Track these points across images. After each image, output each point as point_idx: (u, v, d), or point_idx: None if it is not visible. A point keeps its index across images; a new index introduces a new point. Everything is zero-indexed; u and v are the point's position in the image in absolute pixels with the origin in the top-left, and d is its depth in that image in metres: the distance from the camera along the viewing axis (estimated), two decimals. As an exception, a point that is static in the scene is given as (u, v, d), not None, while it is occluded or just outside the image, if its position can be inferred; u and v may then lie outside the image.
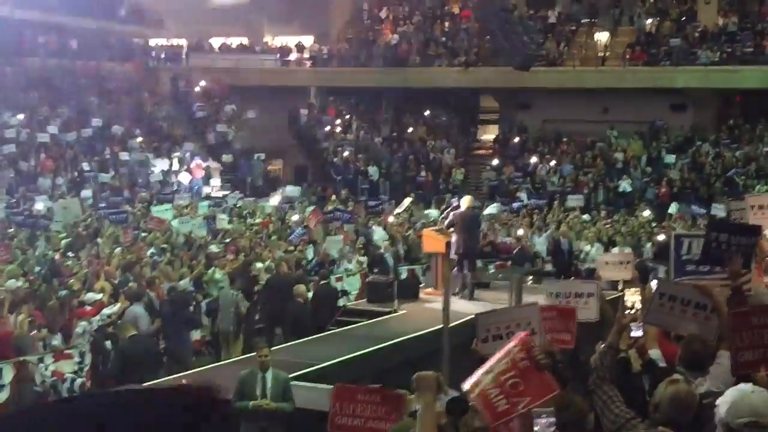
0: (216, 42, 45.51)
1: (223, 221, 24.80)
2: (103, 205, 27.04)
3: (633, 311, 6.06)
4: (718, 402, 4.24)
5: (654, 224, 27.33)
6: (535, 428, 5.87)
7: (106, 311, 15.04)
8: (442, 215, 21.49)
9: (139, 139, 35.77)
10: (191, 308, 16.57)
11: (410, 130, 40.36)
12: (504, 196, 34.36)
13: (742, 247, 7.18)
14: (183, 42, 45.35)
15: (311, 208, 28.36)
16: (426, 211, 29.72)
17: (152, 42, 45.72)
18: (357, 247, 22.17)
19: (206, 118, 39.49)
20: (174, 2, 45.42)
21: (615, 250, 21.22)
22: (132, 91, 40.23)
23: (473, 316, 7.34)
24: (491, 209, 29.48)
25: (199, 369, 13.68)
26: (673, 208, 29.24)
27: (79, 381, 13.09)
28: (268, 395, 10.68)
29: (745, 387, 4.29)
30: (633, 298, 6.02)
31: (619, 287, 11.62)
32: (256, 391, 10.71)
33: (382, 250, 21.88)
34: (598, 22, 40.37)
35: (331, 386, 7.74)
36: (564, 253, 23.05)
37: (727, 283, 6.60)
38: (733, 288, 6.67)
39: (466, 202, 18.47)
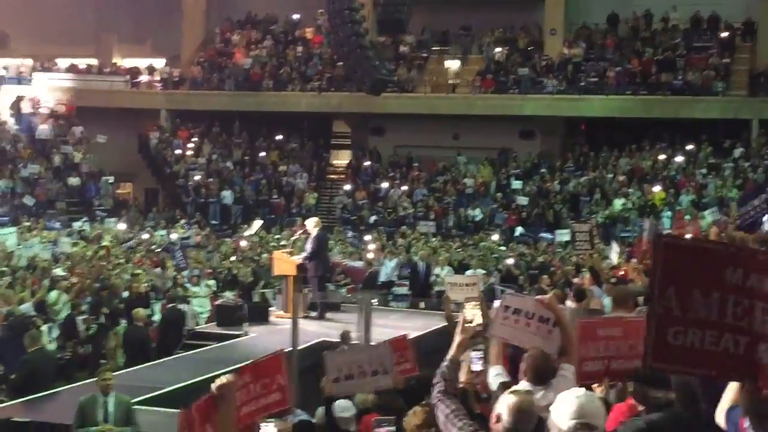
0: (63, 62, 44.41)
1: (65, 244, 24.18)
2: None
3: (473, 324, 6.06)
4: (550, 408, 4.30)
5: (503, 248, 27.89)
6: None
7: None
8: (294, 238, 21.40)
9: (-19, 160, 34.66)
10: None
11: (263, 154, 40.13)
12: (356, 221, 34.50)
13: None
14: (29, 61, 44.07)
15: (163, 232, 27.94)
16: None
17: (-4, 61, 44.28)
18: (205, 270, 21.93)
19: (52, 139, 38.45)
20: (20, 21, 44.10)
21: (469, 272, 21.46)
22: (-26, 111, 38.95)
23: (321, 344, 7.27)
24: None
25: (41, 394, 13.18)
26: (517, 232, 29.99)
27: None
28: (111, 420, 10.38)
29: (575, 391, 4.36)
30: (473, 311, 6.03)
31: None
32: (98, 416, 10.39)
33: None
34: (449, 50, 41.02)
35: (177, 410, 7.56)
36: (421, 276, 23.22)
37: None
38: None
39: (314, 223, 18.39)
